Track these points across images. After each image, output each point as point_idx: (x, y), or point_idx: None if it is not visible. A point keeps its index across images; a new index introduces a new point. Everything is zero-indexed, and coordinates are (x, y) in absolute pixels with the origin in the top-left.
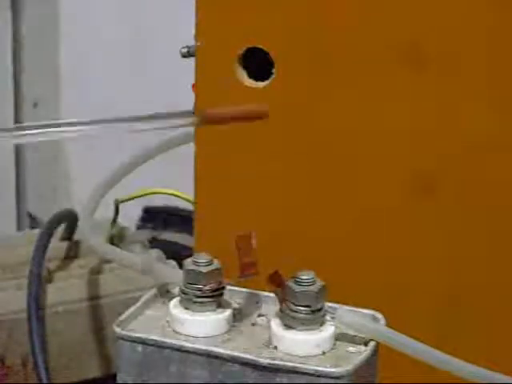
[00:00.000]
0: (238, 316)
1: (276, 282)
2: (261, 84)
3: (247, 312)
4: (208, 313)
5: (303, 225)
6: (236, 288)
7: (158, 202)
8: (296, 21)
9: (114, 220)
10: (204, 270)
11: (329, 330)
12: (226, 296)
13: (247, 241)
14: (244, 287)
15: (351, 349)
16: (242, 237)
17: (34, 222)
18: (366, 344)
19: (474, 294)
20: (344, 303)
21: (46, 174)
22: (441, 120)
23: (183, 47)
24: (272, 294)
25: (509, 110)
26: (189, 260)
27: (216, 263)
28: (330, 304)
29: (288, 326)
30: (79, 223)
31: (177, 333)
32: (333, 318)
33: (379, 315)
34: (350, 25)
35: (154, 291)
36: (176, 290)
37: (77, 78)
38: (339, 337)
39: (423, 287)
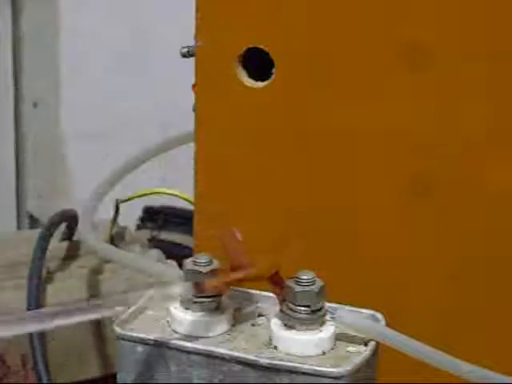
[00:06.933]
0: (237, 316)
1: (276, 282)
2: (261, 84)
3: (247, 312)
4: (208, 313)
5: (303, 224)
6: (236, 288)
7: (157, 202)
8: (296, 21)
9: (114, 220)
10: (204, 270)
11: (329, 329)
12: (226, 296)
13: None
14: (244, 287)
15: (351, 349)
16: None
17: (34, 221)
18: (365, 344)
19: (473, 294)
20: (344, 303)
21: (46, 174)
22: (441, 120)
23: (183, 47)
24: (272, 294)
25: (509, 110)
26: (189, 260)
27: (216, 263)
28: (329, 304)
29: (288, 326)
30: (79, 223)
31: (177, 333)
32: (333, 318)
33: (379, 315)
34: (350, 25)
35: (153, 291)
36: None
37: (77, 78)
38: (339, 337)
39: (423, 287)
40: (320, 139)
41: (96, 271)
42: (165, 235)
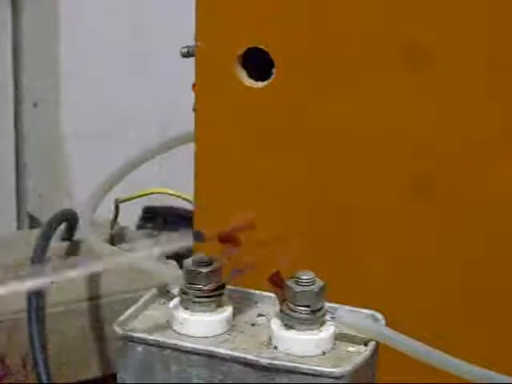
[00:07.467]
0: (238, 316)
1: (276, 282)
2: (261, 84)
3: (247, 312)
4: (208, 313)
5: (303, 225)
6: (236, 288)
7: (157, 202)
8: (296, 21)
9: (114, 220)
10: (204, 269)
11: (329, 329)
12: (226, 296)
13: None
14: (244, 287)
15: (351, 349)
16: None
17: (34, 221)
18: (365, 344)
19: (473, 294)
20: (344, 303)
21: (46, 174)
22: (441, 120)
23: (183, 47)
24: (272, 294)
25: (509, 111)
26: (189, 260)
27: (216, 263)
28: (329, 304)
29: (288, 326)
30: (79, 223)
31: (177, 333)
32: (333, 318)
33: (379, 315)
34: (350, 25)
35: (154, 291)
36: (176, 290)
37: (77, 78)
38: (339, 337)
39: (423, 287)
40: (320, 139)
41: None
42: (165, 235)
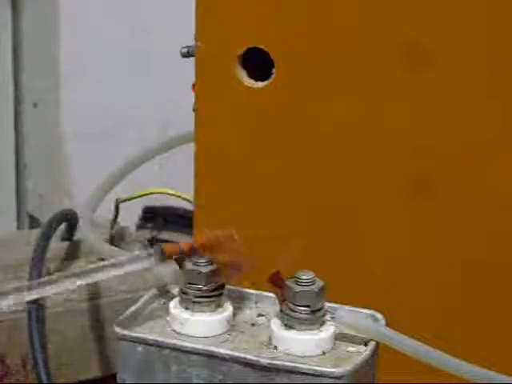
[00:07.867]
0: (238, 316)
1: (276, 282)
2: (261, 84)
3: (247, 312)
4: (208, 313)
5: (303, 225)
6: (236, 288)
7: (157, 202)
8: (296, 21)
9: (114, 220)
10: (204, 269)
11: (329, 329)
12: (226, 296)
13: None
14: (244, 287)
15: (351, 349)
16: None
17: (34, 221)
18: (365, 344)
19: (473, 294)
20: (344, 303)
21: (46, 174)
22: (441, 120)
23: (183, 47)
24: (272, 294)
25: (509, 111)
26: (189, 260)
27: (215, 263)
28: (329, 304)
29: (288, 326)
30: (79, 223)
31: (177, 333)
32: (333, 318)
33: (379, 315)
34: (350, 25)
35: (154, 291)
36: (176, 290)
37: (77, 78)
38: (339, 337)
39: (423, 287)
40: (320, 139)
41: None
42: (165, 235)
